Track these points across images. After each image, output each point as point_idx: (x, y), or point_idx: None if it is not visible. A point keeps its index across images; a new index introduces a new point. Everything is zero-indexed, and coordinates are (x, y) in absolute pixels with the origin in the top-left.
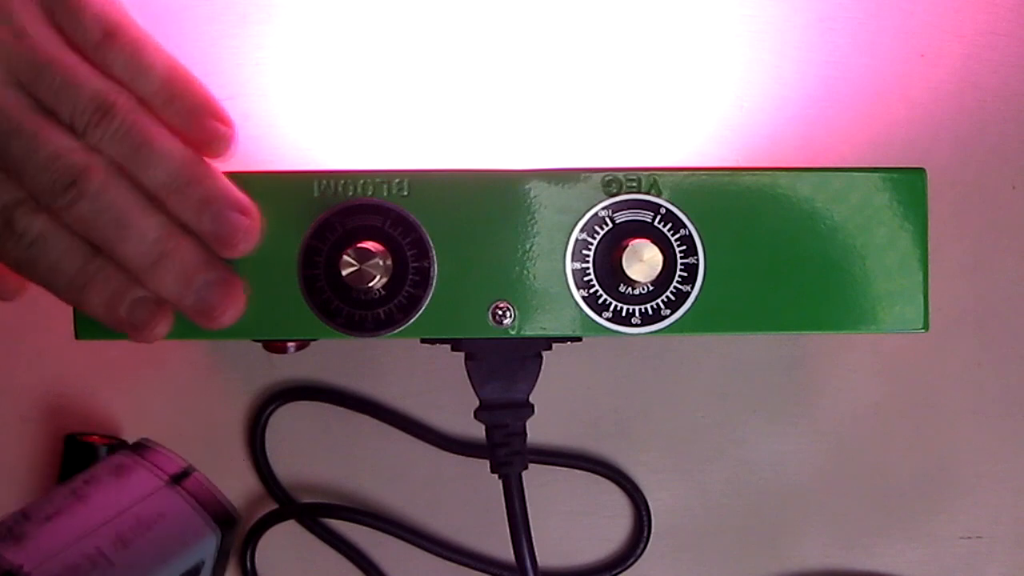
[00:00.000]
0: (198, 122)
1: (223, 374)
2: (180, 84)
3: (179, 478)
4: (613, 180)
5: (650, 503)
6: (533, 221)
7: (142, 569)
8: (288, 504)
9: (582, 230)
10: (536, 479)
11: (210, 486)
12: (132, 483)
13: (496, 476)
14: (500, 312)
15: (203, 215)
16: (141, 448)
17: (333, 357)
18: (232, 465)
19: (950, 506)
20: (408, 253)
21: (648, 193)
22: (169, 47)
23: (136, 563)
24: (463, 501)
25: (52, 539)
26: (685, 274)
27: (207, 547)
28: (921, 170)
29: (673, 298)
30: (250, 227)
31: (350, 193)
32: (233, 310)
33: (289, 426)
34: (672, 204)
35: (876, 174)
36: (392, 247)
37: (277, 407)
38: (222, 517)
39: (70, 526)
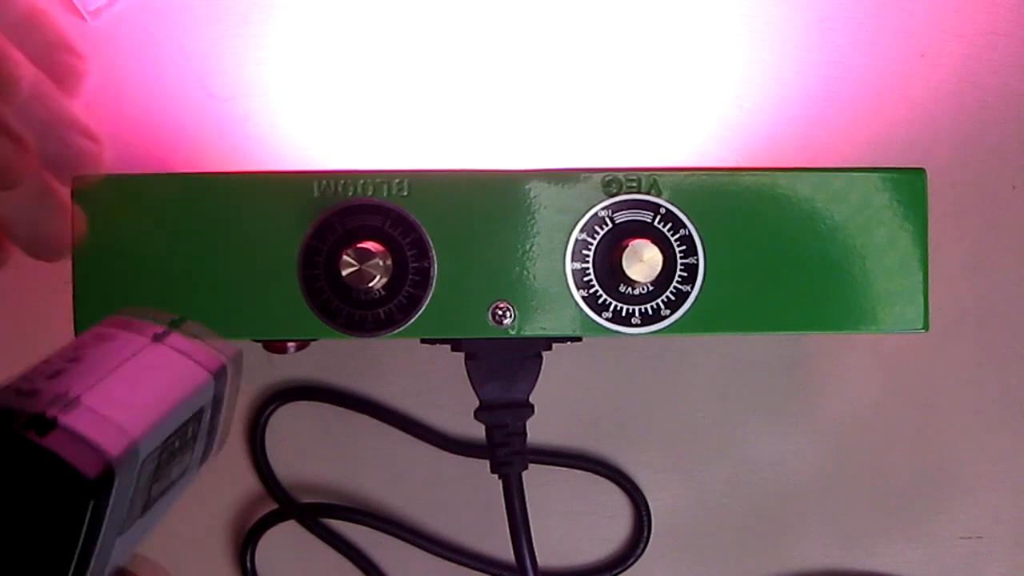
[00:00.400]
0: (53, 55)
1: None
2: (39, 19)
3: (161, 336)
4: (613, 180)
5: (650, 503)
6: (533, 221)
7: (152, 412)
8: (288, 504)
9: (582, 230)
10: (536, 479)
11: (194, 340)
12: (118, 346)
13: (496, 476)
14: (500, 312)
15: (49, 137)
16: (116, 320)
17: (333, 357)
18: (232, 465)
19: (950, 506)
20: (408, 253)
21: (648, 193)
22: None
23: (145, 409)
24: (463, 501)
25: (63, 389)
26: (685, 274)
27: (205, 394)
28: (921, 170)
29: (673, 298)
30: (95, 152)
31: (350, 193)
32: (63, 241)
33: (289, 426)
34: (672, 204)
35: (876, 174)
36: (392, 247)
37: (277, 407)
38: (213, 365)
39: (75, 379)
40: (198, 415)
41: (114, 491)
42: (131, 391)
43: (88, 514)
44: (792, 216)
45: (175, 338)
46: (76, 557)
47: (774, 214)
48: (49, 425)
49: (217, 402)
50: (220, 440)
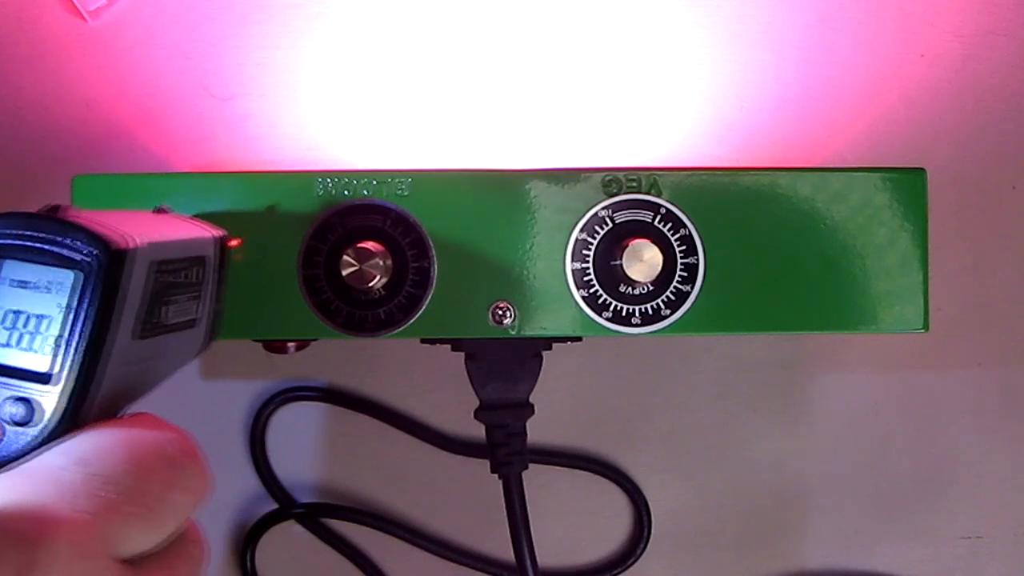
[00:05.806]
0: None
1: (223, 374)
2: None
3: (162, 210)
4: (613, 180)
5: (650, 503)
6: (533, 221)
7: (152, 234)
8: (288, 504)
9: (582, 230)
10: (536, 479)
11: (189, 217)
12: (119, 212)
13: (496, 476)
14: (500, 312)
15: None
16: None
17: (333, 357)
18: (232, 465)
19: (950, 506)
20: (408, 253)
21: (648, 193)
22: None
23: (144, 231)
24: (463, 501)
25: (56, 205)
26: (685, 274)
27: (207, 246)
28: (921, 170)
29: (673, 298)
30: None
31: (350, 193)
32: None
33: (289, 426)
34: (672, 204)
35: (876, 174)
36: (392, 247)
37: (277, 407)
38: (212, 231)
39: (72, 211)
40: (201, 260)
41: (132, 272)
42: (129, 221)
43: (111, 274)
44: (792, 216)
45: (174, 213)
46: (95, 319)
47: (774, 214)
48: (62, 211)
49: (220, 264)
50: (218, 319)
